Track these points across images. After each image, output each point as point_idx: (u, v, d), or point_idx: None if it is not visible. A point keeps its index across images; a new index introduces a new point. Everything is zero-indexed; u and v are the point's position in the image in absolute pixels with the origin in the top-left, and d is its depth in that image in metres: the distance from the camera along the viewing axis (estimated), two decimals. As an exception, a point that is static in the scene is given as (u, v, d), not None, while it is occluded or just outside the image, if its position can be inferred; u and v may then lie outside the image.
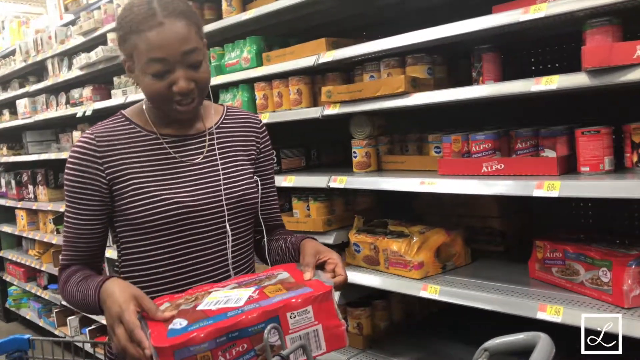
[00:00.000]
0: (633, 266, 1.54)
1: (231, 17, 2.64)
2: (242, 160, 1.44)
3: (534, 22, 1.65)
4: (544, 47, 2.27)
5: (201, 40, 1.30)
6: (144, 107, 1.39)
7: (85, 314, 1.28)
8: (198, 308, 1.10)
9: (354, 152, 2.34)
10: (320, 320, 1.07)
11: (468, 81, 2.07)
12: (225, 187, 1.36)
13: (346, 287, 2.19)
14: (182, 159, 1.35)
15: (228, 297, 1.12)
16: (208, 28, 2.75)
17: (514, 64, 2.24)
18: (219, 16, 2.87)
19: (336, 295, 1.15)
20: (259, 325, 1.02)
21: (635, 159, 1.68)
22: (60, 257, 1.36)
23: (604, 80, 1.52)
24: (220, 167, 1.38)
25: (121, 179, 1.29)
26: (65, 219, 1.34)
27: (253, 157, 1.48)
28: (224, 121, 1.46)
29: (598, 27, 1.59)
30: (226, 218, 1.36)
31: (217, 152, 1.40)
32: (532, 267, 1.89)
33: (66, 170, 1.31)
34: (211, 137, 1.41)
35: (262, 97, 2.63)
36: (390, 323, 2.45)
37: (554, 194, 1.60)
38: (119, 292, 1.13)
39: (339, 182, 2.23)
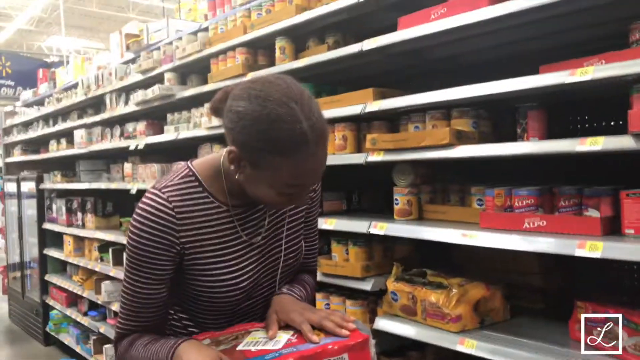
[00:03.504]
0: (679, 334, 1.50)
1: (284, 65, 2.75)
2: (297, 223, 1.44)
3: (580, 84, 1.68)
4: (590, 107, 2.27)
5: None
6: (222, 173, 1.29)
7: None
8: (238, 348, 1.14)
9: (396, 200, 2.37)
10: None
11: (512, 136, 2.09)
12: (284, 261, 1.39)
13: (381, 336, 2.23)
14: (251, 240, 1.33)
15: (267, 339, 1.15)
16: (261, 73, 2.86)
17: (558, 121, 2.25)
18: (271, 62, 3.00)
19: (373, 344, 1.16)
20: None
21: (682, 224, 1.65)
22: (117, 325, 1.30)
23: (649, 145, 1.52)
24: (283, 247, 1.39)
25: (191, 253, 1.26)
26: (128, 286, 1.25)
27: (305, 211, 1.48)
28: None
29: (645, 91, 1.60)
30: (277, 284, 1.39)
31: (284, 231, 1.39)
32: (573, 328, 1.85)
33: (138, 236, 1.21)
34: (273, 212, 1.39)
35: (308, 141, 2.70)
36: (424, 375, 2.42)
37: (596, 254, 1.58)
38: (202, 351, 1.14)
39: (379, 228, 2.25)
